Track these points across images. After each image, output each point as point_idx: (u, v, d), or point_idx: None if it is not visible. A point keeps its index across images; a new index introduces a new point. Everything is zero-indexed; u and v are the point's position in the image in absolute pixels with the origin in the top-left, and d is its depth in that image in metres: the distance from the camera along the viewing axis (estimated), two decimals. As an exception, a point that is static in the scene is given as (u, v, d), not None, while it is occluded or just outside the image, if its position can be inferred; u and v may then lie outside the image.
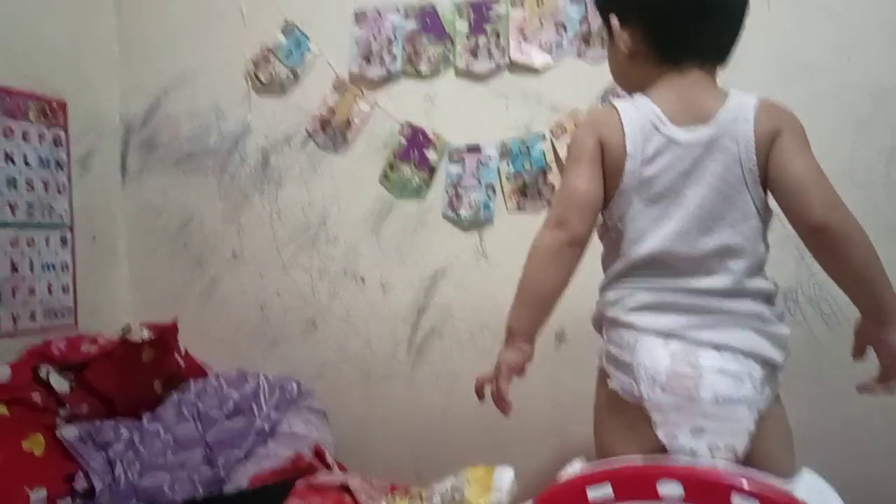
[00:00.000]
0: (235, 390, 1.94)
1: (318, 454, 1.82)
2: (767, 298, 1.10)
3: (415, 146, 2.00)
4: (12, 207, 1.92)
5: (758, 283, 1.09)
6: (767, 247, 1.13)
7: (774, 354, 1.06)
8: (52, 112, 2.05)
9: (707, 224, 1.08)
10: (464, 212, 1.95)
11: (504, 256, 1.92)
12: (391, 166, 2.02)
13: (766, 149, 1.08)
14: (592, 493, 0.94)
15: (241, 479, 1.76)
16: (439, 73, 1.97)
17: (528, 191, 1.89)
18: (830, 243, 1.05)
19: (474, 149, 1.94)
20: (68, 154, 2.10)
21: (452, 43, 1.95)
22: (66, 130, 2.09)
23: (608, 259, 1.17)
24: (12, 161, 1.93)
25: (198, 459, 1.80)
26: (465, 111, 1.96)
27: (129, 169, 2.27)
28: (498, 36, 1.92)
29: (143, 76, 2.25)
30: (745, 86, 1.70)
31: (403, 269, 2.02)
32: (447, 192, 1.97)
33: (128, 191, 2.27)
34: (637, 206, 1.10)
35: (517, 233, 1.80)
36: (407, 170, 2.01)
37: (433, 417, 1.97)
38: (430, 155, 1.98)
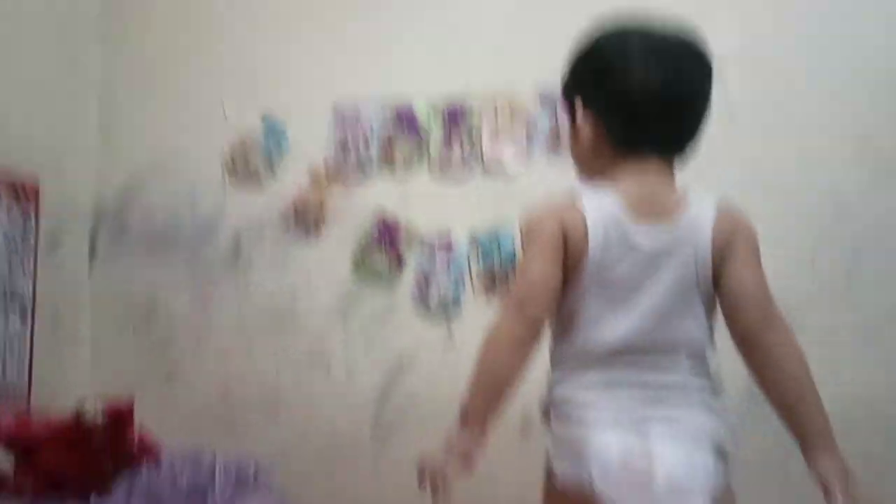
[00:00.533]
0: (190, 473, 1.87)
1: (275, 543, 1.74)
2: (713, 390, 1.12)
3: (386, 237, 2.05)
4: (-26, 283, 1.89)
5: (704, 380, 1.11)
6: (712, 342, 1.15)
7: (724, 441, 1.07)
8: (25, 193, 2.05)
9: (660, 323, 1.09)
10: (433, 301, 1.99)
11: (472, 345, 1.91)
12: (363, 255, 2.06)
13: (720, 254, 1.11)
14: None
15: (192, 569, 1.67)
16: (413, 168, 2.06)
17: (497, 282, 1.94)
18: (762, 362, 1.09)
19: (445, 240, 2.00)
20: (36, 236, 2.07)
21: (428, 143, 2.05)
22: (36, 213, 2.07)
23: (559, 342, 1.16)
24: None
25: (146, 547, 1.70)
26: (437, 206, 2.03)
27: (97, 253, 2.27)
28: (472, 134, 2.01)
29: (119, 161, 2.28)
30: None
31: (370, 356, 2.02)
32: (417, 281, 2.01)
33: (95, 274, 2.25)
34: (593, 300, 1.11)
35: (486, 322, 1.82)
36: (378, 259, 2.05)
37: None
38: (402, 247, 2.04)
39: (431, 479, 1.06)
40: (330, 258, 2.09)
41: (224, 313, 2.14)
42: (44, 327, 2.07)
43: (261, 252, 2.15)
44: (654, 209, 1.12)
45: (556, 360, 1.16)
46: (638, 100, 1.13)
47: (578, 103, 1.18)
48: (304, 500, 1.96)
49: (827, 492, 1.04)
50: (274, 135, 2.17)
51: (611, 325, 1.10)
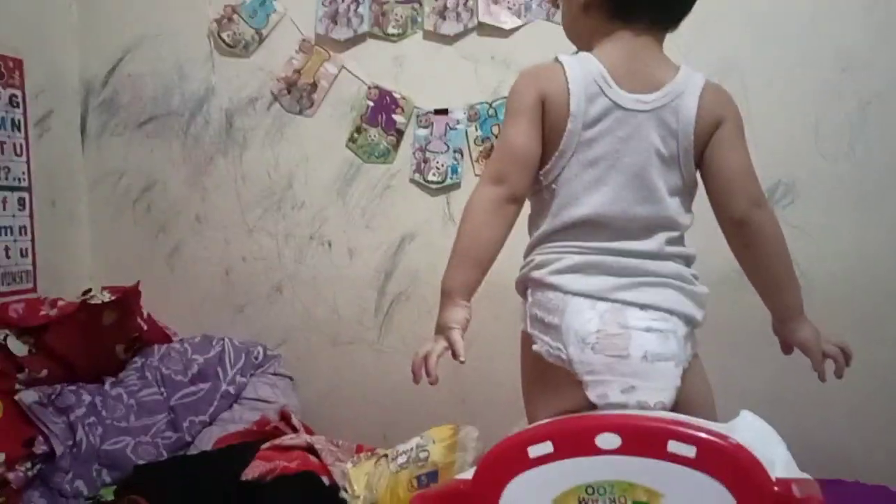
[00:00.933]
0: (200, 355, 1.92)
1: (285, 418, 1.81)
2: (687, 261, 1.12)
3: (382, 109, 1.97)
4: (-33, 168, 1.87)
5: (679, 249, 1.11)
6: (692, 220, 1.13)
7: (695, 312, 1.07)
8: (8, 71, 1.99)
9: (640, 194, 1.08)
10: (431, 176, 1.94)
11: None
12: (358, 129, 1.99)
13: (707, 132, 1.08)
14: (533, 451, 0.93)
15: (206, 442, 1.76)
16: (407, 35, 1.95)
17: (495, 155, 1.88)
18: (748, 240, 1.10)
19: (442, 112, 1.92)
20: (25, 114, 2.04)
21: (420, 4, 1.92)
22: (22, 89, 2.03)
23: (536, 219, 1.15)
24: (-34, 120, 1.87)
25: (162, 424, 1.78)
26: (433, 74, 1.93)
27: (89, 131, 2.21)
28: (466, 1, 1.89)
29: (103, 35, 2.18)
30: (712, 51, 1.75)
31: (370, 233, 2.00)
32: (415, 156, 1.95)
33: (88, 153, 2.21)
34: (573, 168, 1.08)
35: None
36: (374, 133, 1.98)
37: (400, 382, 1.94)
38: (398, 118, 1.96)
39: (418, 366, 1.06)
40: (325, 132, 2.02)
41: (221, 193, 2.11)
42: (42, 211, 2.07)
43: (253, 127, 2.08)
44: (640, 77, 1.09)
45: (534, 238, 1.14)
46: None
47: None
48: (310, 379, 2.03)
49: (811, 360, 1.13)
50: (260, 2, 2.04)
51: (590, 196, 1.08)
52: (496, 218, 1.09)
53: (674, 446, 0.90)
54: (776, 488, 0.88)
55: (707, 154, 1.10)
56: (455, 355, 1.07)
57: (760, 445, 0.93)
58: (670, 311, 1.05)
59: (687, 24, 1.88)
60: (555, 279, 1.06)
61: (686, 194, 1.12)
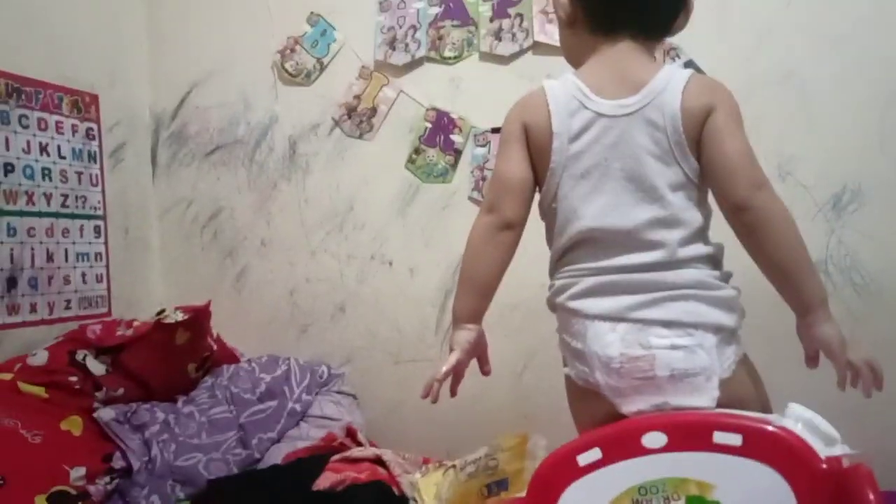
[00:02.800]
0: (267, 374, 1.96)
1: (351, 434, 1.83)
2: (710, 260, 1.08)
3: (440, 130, 2.02)
4: (48, 198, 1.97)
5: (696, 249, 1.06)
6: (708, 213, 1.11)
7: (724, 319, 1.03)
8: (85, 105, 2.10)
9: (638, 196, 1.06)
10: (490, 193, 1.96)
11: (530, 237, 1.91)
12: (416, 151, 2.04)
13: (698, 123, 1.06)
14: (583, 459, 0.95)
15: (275, 459, 1.78)
16: (463, 57, 2.00)
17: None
18: (752, 225, 1.04)
19: (499, 131, 1.95)
20: (100, 146, 2.14)
21: (476, 27, 1.98)
22: (98, 123, 2.14)
23: (550, 240, 1.16)
24: (46, 153, 1.98)
25: (232, 441, 1.82)
26: (489, 94, 1.97)
27: (159, 161, 2.32)
28: (521, 18, 1.93)
29: (172, 70, 2.30)
30: (772, 58, 1.75)
31: (430, 252, 2.03)
32: (473, 174, 1.99)
33: (158, 183, 2.31)
34: (567, 184, 1.09)
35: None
36: (433, 154, 2.02)
37: (464, 399, 1.95)
38: (456, 138, 2.00)
39: (428, 387, 1.12)
40: (384, 155, 2.07)
41: (285, 217, 2.17)
42: (116, 238, 2.16)
43: (316, 153, 2.15)
44: (620, 84, 1.09)
45: (550, 258, 1.16)
46: None
47: None
48: (373, 397, 2.04)
49: (808, 358, 1.09)
50: (321, 32, 2.12)
51: (588, 208, 1.07)
52: (490, 246, 1.14)
53: (720, 437, 0.91)
54: (825, 466, 0.88)
55: (702, 144, 1.07)
56: (440, 375, 1.12)
57: (809, 431, 0.92)
58: (694, 326, 1.02)
59: (747, 31, 1.89)
60: (574, 304, 1.07)
61: (692, 188, 1.07)
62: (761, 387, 1.11)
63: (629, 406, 1.02)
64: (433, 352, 2.02)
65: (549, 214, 1.14)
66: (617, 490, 0.94)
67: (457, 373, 1.15)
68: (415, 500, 1.44)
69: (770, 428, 0.91)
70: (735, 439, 0.91)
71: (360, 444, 1.77)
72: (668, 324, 1.02)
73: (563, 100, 1.10)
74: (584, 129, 1.08)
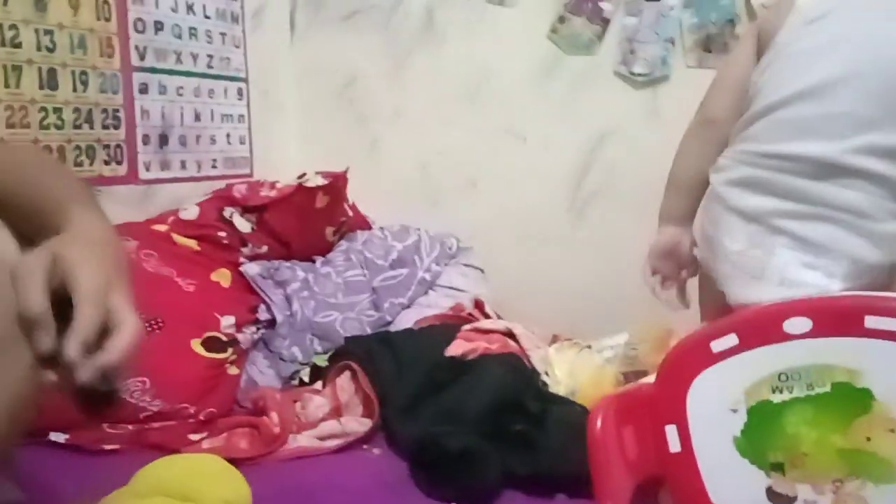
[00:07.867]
0: (398, 242, 2.00)
1: (478, 306, 1.86)
2: (882, 183, 0.95)
3: (587, -4, 1.89)
4: (194, 57, 2.01)
5: (879, 164, 0.95)
6: None
7: (867, 253, 0.95)
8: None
9: (858, 98, 0.96)
10: (637, 67, 1.85)
11: (679, 116, 1.76)
12: (561, 19, 1.93)
13: None
14: (716, 345, 0.91)
15: (406, 323, 1.85)
16: (620, -85, 1.83)
17: (712, 44, 1.76)
18: None
19: None
20: (242, 7, 2.15)
21: None
22: (240, -13, 2.13)
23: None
24: (192, 11, 2.00)
25: (365, 302, 1.89)
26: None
27: (296, 25, 2.31)
28: None
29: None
30: None
31: (568, 128, 1.96)
32: (621, 46, 1.87)
33: (295, 47, 2.31)
34: (782, 60, 1.04)
35: (696, 90, 1.68)
36: (578, 23, 1.91)
37: (592, 281, 1.95)
38: (605, 6, 1.87)
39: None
40: (525, 23, 1.97)
41: (419, 86, 2.14)
42: (256, 101, 2.20)
43: (453, 20, 2.07)
44: None
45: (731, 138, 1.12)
46: None
47: None
48: (501, 272, 2.05)
49: None
50: None
51: (790, 83, 1.01)
52: (692, 143, 1.17)
53: (872, 321, 0.85)
54: None
55: None
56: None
57: None
58: (827, 249, 0.96)
59: None
60: (722, 190, 1.06)
61: None
62: None
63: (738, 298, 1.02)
64: (564, 230, 1.99)
65: (751, 92, 1.09)
66: (755, 377, 0.90)
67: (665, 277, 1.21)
68: (546, 375, 1.46)
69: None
70: (891, 324, 0.85)
71: (487, 317, 1.81)
72: (800, 240, 0.98)
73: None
74: (826, 13, 1.03)
